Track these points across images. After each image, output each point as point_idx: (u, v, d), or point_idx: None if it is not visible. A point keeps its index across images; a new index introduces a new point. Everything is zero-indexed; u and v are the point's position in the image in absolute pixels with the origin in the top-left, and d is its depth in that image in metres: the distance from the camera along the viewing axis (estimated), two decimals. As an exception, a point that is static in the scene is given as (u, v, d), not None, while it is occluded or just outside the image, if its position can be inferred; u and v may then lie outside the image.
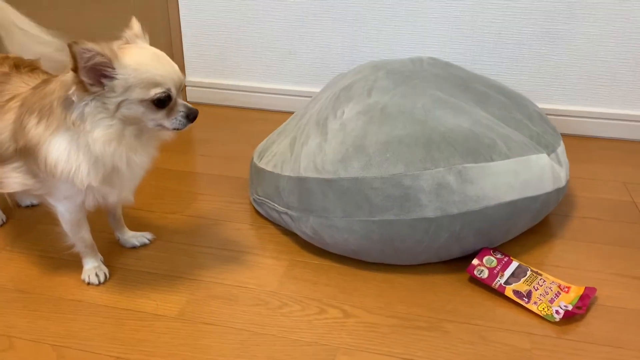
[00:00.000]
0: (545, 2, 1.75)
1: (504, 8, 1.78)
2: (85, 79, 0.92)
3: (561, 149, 1.38)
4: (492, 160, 1.18)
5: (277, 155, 1.38)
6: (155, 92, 0.96)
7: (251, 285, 1.17)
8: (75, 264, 1.20)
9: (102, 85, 0.94)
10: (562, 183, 1.32)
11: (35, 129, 0.98)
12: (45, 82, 1.03)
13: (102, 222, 1.27)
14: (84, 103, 0.95)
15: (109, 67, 0.93)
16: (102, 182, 1.01)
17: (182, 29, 2.08)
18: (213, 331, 1.04)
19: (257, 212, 1.43)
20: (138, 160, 1.03)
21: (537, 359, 0.98)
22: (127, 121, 0.98)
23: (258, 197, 1.39)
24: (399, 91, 1.33)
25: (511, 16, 1.79)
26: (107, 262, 1.22)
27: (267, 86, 2.09)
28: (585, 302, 1.09)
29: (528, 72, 1.85)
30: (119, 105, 0.96)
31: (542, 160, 1.26)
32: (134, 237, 1.29)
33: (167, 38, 2.07)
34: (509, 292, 1.12)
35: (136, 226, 1.33)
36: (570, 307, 1.07)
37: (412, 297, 1.13)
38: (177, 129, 1.03)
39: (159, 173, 1.61)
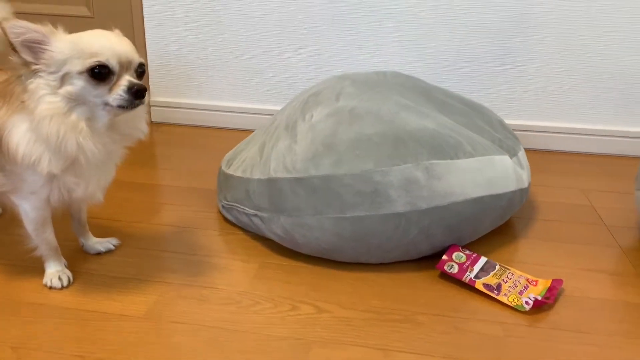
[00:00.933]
0: (500, 22, 1.84)
1: (462, 27, 1.86)
2: (25, 56, 0.92)
3: (522, 154, 1.43)
4: (458, 157, 1.21)
5: (246, 160, 1.38)
6: (90, 61, 0.93)
7: (221, 286, 1.15)
8: (36, 269, 1.15)
9: (40, 61, 0.93)
10: (525, 184, 1.37)
11: None
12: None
13: (66, 230, 1.23)
14: (29, 81, 0.93)
15: (43, 42, 0.92)
16: (64, 170, 0.99)
17: (147, 50, 2.08)
18: (183, 329, 1.01)
19: (226, 220, 1.41)
20: (92, 147, 0.97)
21: (510, 345, 0.99)
22: (72, 99, 0.94)
23: (227, 202, 1.38)
24: (365, 97, 1.36)
25: (469, 35, 1.87)
26: (71, 268, 1.17)
27: (233, 105, 2.10)
28: (553, 293, 1.11)
29: (486, 89, 1.93)
30: (62, 81, 0.94)
31: (505, 161, 1.30)
32: (98, 243, 1.26)
33: (132, 57, 2.07)
34: (479, 285, 1.13)
35: (102, 234, 1.29)
36: (539, 298, 1.09)
37: (385, 292, 1.13)
38: (122, 107, 0.96)
39: (123, 185, 1.58)
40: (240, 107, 2.09)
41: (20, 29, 0.90)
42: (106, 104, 0.96)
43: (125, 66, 0.97)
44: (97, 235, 1.27)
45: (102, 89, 0.95)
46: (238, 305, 1.08)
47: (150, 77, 2.12)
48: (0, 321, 1.02)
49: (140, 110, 1.05)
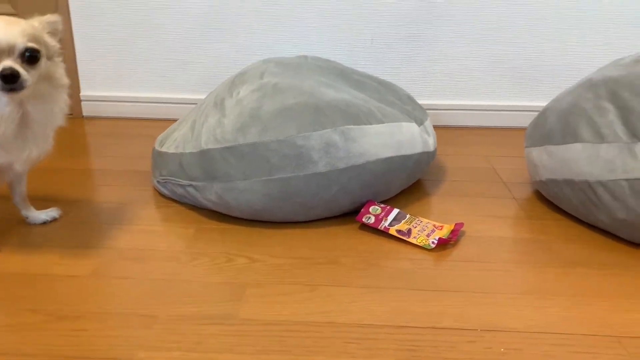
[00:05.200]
0: (409, 9, 2.03)
1: (375, 15, 2.04)
2: None
3: (428, 123, 1.61)
4: (370, 123, 1.37)
5: (178, 139, 1.48)
6: None
7: (161, 248, 1.24)
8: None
9: None
10: (431, 148, 1.55)
11: None
12: None
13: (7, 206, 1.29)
14: None
15: None
16: None
17: (75, 45, 2.13)
18: (127, 283, 1.10)
19: (161, 195, 1.50)
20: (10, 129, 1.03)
21: (419, 275, 1.15)
22: None
23: (162, 177, 1.47)
24: (287, 75, 1.50)
25: (381, 23, 2.05)
26: (15, 239, 1.24)
27: (162, 96, 2.18)
28: (456, 234, 1.29)
29: (398, 72, 2.11)
30: None
31: (412, 127, 1.47)
32: (43, 213, 1.33)
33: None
34: (392, 231, 1.29)
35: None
36: (444, 237, 1.26)
37: (311, 243, 1.27)
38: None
39: (59, 172, 1.64)
40: (168, 98, 2.18)
41: None
42: None
43: (5, 51, 0.99)
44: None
45: None
46: (178, 261, 1.19)
47: (79, 72, 2.16)
48: (-52, 289, 1.08)
49: (56, 93, 1.11)
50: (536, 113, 1.64)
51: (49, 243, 1.25)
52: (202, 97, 2.10)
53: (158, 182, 1.49)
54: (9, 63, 0.99)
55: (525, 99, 2.14)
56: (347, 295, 1.07)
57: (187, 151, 1.39)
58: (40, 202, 1.39)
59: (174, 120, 2.10)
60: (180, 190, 1.42)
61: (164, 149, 1.49)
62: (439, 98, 2.15)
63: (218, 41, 2.10)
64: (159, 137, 1.58)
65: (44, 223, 1.32)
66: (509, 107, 2.15)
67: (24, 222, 1.33)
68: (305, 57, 1.71)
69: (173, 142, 1.48)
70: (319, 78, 1.52)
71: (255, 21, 2.06)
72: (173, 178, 1.42)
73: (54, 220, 1.34)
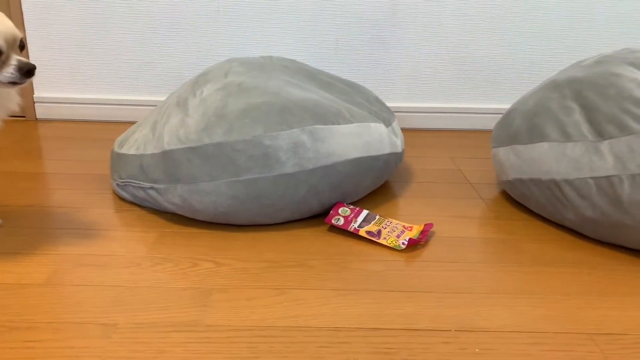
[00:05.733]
0: (373, 13, 2.03)
1: (340, 18, 2.03)
2: None
3: (395, 124, 1.59)
4: (339, 123, 1.34)
5: (138, 140, 1.42)
6: None
7: (121, 253, 1.18)
8: None
9: None
10: (399, 150, 1.53)
11: None
12: None
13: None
14: None
15: None
16: None
17: (27, 44, 2.03)
18: (85, 290, 1.04)
19: (121, 198, 1.44)
20: None
21: (391, 276, 1.12)
22: None
23: (121, 180, 1.40)
24: (252, 74, 1.46)
25: (346, 25, 2.04)
26: (-42, 248, 1.15)
27: (121, 98, 2.11)
28: (425, 234, 1.27)
29: (363, 74, 2.10)
30: None
31: (380, 128, 1.46)
32: None
33: (11, 52, 2.01)
34: (362, 232, 1.27)
35: (-10, 216, 1.27)
36: (414, 238, 1.24)
37: (279, 246, 1.23)
38: (14, 83, 1.04)
39: (10, 175, 1.56)
40: (127, 100, 2.11)
41: None
42: None
43: (11, 44, 1.02)
44: (-14, 219, 1.26)
45: None
46: (139, 267, 1.13)
47: (31, 73, 2.06)
48: None
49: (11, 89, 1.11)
50: (499, 115, 1.65)
51: (-2, 250, 1.17)
52: (162, 98, 2.04)
53: (117, 185, 1.42)
54: (15, 54, 1.02)
55: (488, 101, 2.16)
56: (318, 299, 1.03)
57: (148, 152, 1.33)
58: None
59: (133, 123, 2.04)
60: (141, 193, 1.36)
61: (123, 151, 1.42)
62: (404, 100, 2.15)
63: (178, 42, 2.04)
64: (118, 139, 1.51)
65: None
66: (472, 110, 2.16)
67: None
68: (271, 57, 1.67)
69: (133, 144, 1.41)
70: (285, 78, 1.49)
71: (218, 22, 2.02)
72: (133, 180, 1.36)
73: None
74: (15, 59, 1.02)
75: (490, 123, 2.16)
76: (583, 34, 2.07)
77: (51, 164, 1.72)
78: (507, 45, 2.08)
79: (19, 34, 1.04)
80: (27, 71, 1.03)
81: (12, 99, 1.10)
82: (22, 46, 1.06)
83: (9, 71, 1.02)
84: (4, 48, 1.01)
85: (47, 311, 0.97)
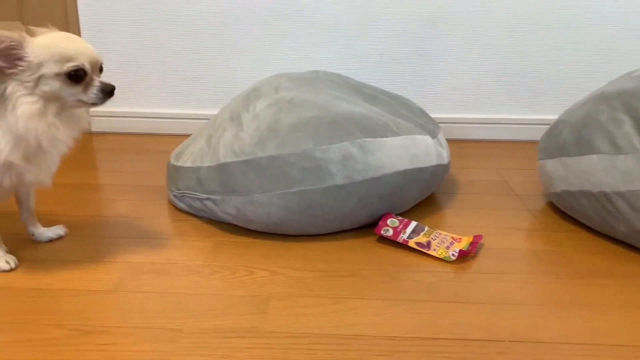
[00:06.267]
0: (416, 26, 2.06)
1: (383, 32, 2.06)
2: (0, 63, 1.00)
3: (441, 136, 1.62)
4: (387, 136, 1.37)
5: (194, 152, 1.48)
6: (69, 65, 1.04)
7: (181, 262, 1.24)
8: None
9: (15, 66, 1.01)
10: (445, 161, 1.55)
11: None
12: None
13: (11, 225, 1.29)
14: (4, 86, 1.02)
15: (19, 49, 1.01)
16: (22, 159, 1.06)
17: (84, 61, 2.13)
18: (150, 297, 1.10)
19: (177, 209, 1.50)
20: (61, 137, 1.08)
21: (441, 287, 1.15)
22: (47, 98, 1.04)
23: (178, 191, 1.47)
24: (301, 90, 1.51)
25: (389, 39, 2.07)
26: (26, 255, 1.23)
27: (172, 111, 2.19)
28: (475, 246, 1.29)
29: (406, 86, 2.13)
30: (37, 82, 1.03)
31: (426, 140, 1.48)
32: (49, 230, 1.32)
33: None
34: (412, 243, 1.29)
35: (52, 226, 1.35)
36: (464, 249, 1.26)
37: (331, 256, 1.27)
38: (95, 104, 1.10)
39: (70, 187, 1.64)
40: (178, 113, 2.19)
41: None
42: (80, 100, 1.08)
43: (94, 66, 1.09)
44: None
45: (77, 89, 1.07)
46: (199, 274, 1.18)
47: (88, 88, 2.16)
48: (-32, 304, 1.07)
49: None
50: (542, 126, 1.65)
51: (63, 258, 1.24)
52: (213, 112, 2.10)
53: (175, 196, 1.49)
54: (97, 76, 1.09)
55: (531, 112, 2.16)
56: (372, 308, 1.07)
57: (205, 165, 1.39)
58: (50, 218, 1.38)
59: (184, 136, 2.10)
60: (197, 204, 1.42)
61: (180, 163, 1.49)
62: (448, 112, 2.16)
63: (230, 57, 2.11)
64: (174, 152, 1.58)
65: (50, 240, 1.31)
66: (516, 121, 2.16)
67: (30, 240, 1.31)
68: (317, 71, 1.72)
69: (189, 156, 1.48)
70: (333, 92, 1.53)
71: (265, 37, 2.08)
72: (190, 192, 1.42)
73: (60, 237, 1.33)
74: (97, 80, 1.09)
75: (534, 134, 2.15)
76: (626, 44, 2.05)
77: (108, 175, 1.80)
78: (550, 56, 2.08)
79: (99, 57, 1.11)
80: (109, 92, 1.09)
81: (84, 117, 1.16)
82: (101, 69, 1.12)
83: (93, 92, 1.08)
84: (89, 70, 1.08)
85: (116, 316, 1.03)
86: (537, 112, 2.16)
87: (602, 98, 1.41)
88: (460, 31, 2.06)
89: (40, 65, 1.02)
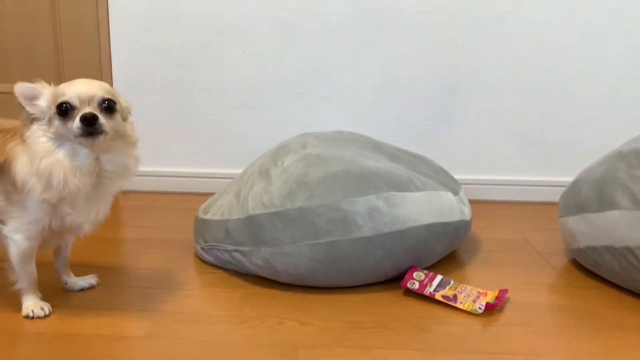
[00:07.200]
0: (434, 91, 2.15)
1: (402, 96, 2.15)
2: (26, 108, 1.11)
3: (462, 194, 1.66)
4: (411, 191, 1.42)
5: (223, 206, 1.52)
6: (57, 101, 1.09)
7: (211, 311, 1.25)
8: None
9: (35, 111, 1.11)
10: (467, 218, 1.58)
11: (10, 146, 1.12)
12: None
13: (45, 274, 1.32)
14: (28, 127, 1.11)
15: (37, 96, 1.11)
16: (60, 200, 1.11)
17: (115, 122, 2.23)
18: (182, 344, 1.11)
19: (204, 262, 1.53)
20: (77, 182, 1.09)
21: (470, 339, 1.15)
22: (56, 138, 1.10)
23: (206, 244, 1.50)
24: (328, 146, 1.57)
25: (408, 103, 2.16)
26: (59, 302, 1.25)
27: (199, 171, 2.26)
28: (501, 299, 1.29)
29: (424, 148, 2.18)
30: (49, 124, 1.10)
31: (449, 196, 1.52)
32: (81, 280, 1.35)
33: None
34: (438, 296, 1.30)
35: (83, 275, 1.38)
36: (491, 302, 1.27)
37: (358, 308, 1.28)
38: (81, 135, 1.06)
39: (98, 240, 1.67)
40: (205, 172, 2.25)
41: (22, 88, 1.10)
42: (75, 135, 1.07)
43: (86, 101, 1.08)
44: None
45: (69, 124, 1.07)
46: (229, 323, 1.19)
47: (117, 147, 2.25)
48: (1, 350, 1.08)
49: (128, 149, 1.19)
50: (558, 187, 1.69)
51: (95, 306, 1.26)
52: (236, 171, 2.16)
53: (202, 248, 1.52)
54: (88, 109, 1.08)
55: (547, 174, 2.20)
56: (403, 358, 1.07)
57: (234, 217, 1.43)
58: (81, 269, 1.40)
59: (208, 195, 2.16)
60: (225, 256, 1.45)
61: (208, 217, 1.53)
62: (467, 173, 2.21)
63: (254, 119, 2.20)
64: (202, 206, 1.63)
65: (82, 289, 1.34)
66: (532, 182, 2.20)
67: (63, 288, 1.34)
68: (341, 131, 1.79)
69: (218, 210, 1.52)
70: (357, 150, 1.59)
71: (289, 99, 2.18)
72: (219, 244, 1.45)
73: (92, 287, 1.36)
74: (82, 111, 1.07)
75: (549, 195, 2.18)
76: (636, 111, 2.12)
77: (136, 230, 1.84)
78: (565, 119, 2.15)
79: (99, 94, 1.09)
80: (87, 120, 1.05)
81: (123, 162, 1.17)
82: (107, 107, 1.10)
83: (75, 123, 1.06)
84: (77, 104, 1.07)
85: (149, 361, 1.04)
86: (553, 174, 2.20)
87: (620, 156, 1.46)
88: (476, 95, 2.14)
89: (48, 107, 1.11)
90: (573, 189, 1.55)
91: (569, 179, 1.65)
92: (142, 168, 2.26)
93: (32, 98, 1.11)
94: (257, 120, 2.20)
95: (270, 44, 2.15)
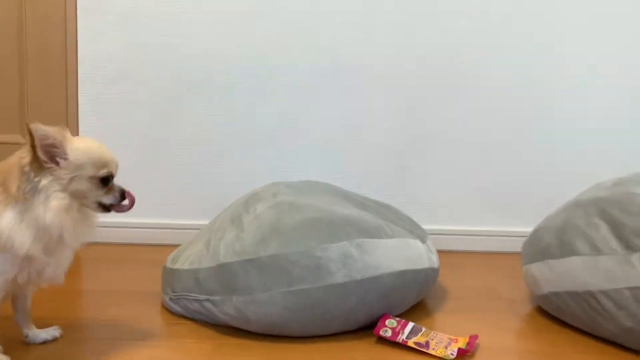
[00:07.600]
0: (398, 144, 2.22)
1: (365, 148, 2.21)
2: (41, 156, 1.07)
3: (429, 242, 1.69)
4: (382, 237, 1.44)
5: (192, 255, 1.51)
6: (103, 171, 1.15)
7: (180, 363, 1.22)
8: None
9: (56, 163, 1.09)
10: (435, 265, 1.61)
11: None
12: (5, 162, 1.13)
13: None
14: (38, 178, 1.07)
15: (59, 147, 1.09)
16: (43, 251, 1.09)
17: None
18: (152, 396, 1.07)
19: (171, 312, 1.49)
20: (80, 234, 1.15)
21: (445, 384, 1.15)
22: (74, 195, 1.12)
23: (174, 294, 1.47)
24: (299, 195, 1.59)
25: (372, 155, 2.22)
26: (20, 356, 1.20)
27: (164, 222, 2.23)
28: (472, 345, 1.31)
29: (388, 199, 2.23)
30: (70, 181, 1.10)
31: (418, 243, 1.55)
32: (44, 332, 1.30)
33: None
34: (411, 343, 1.31)
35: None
36: (462, 347, 1.28)
37: (332, 356, 1.27)
38: (111, 205, 1.20)
39: (64, 293, 1.62)
40: (169, 224, 2.22)
41: (43, 133, 1.07)
42: (98, 202, 1.17)
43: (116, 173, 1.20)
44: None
45: (102, 191, 1.16)
46: (200, 375, 1.16)
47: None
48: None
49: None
50: (518, 237, 1.76)
51: (58, 357, 1.21)
52: (203, 222, 2.15)
53: (170, 299, 1.49)
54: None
55: (506, 224, 2.28)
56: (380, 404, 1.06)
57: (204, 266, 1.42)
58: (43, 322, 1.35)
59: (175, 246, 2.13)
60: (195, 306, 1.42)
61: (177, 266, 1.51)
62: (430, 223, 2.25)
63: (221, 169, 2.21)
64: (170, 256, 1.60)
65: (44, 342, 1.29)
66: (495, 232, 2.27)
67: (23, 341, 1.28)
68: (310, 181, 1.82)
69: (187, 259, 1.50)
70: (327, 198, 1.62)
71: (257, 149, 2.20)
72: (188, 294, 1.43)
73: (55, 339, 1.30)
74: (118, 186, 1.20)
75: (510, 245, 2.23)
76: (593, 164, 2.23)
77: (100, 282, 1.79)
78: (522, 173, 2.25)
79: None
80: (122, 196, 1.20)
81: (95, 218, 1.22)
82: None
83: (114, 195, 1.19)
84: (115, 176, 1.19)
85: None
86: (514, 224, 2.27)
87: (577, 206, 1.53)
88: (436, 150, 2.23)
89: (78, 167, 1.11)
90: (534, 237, 1.60)
91: (531, 228, 1.71)
92: (109, 219, 2.23)
93: (54, 148, 1.08)
94: (226, 171, 2.21)
95: (239, 98, 2.20)
